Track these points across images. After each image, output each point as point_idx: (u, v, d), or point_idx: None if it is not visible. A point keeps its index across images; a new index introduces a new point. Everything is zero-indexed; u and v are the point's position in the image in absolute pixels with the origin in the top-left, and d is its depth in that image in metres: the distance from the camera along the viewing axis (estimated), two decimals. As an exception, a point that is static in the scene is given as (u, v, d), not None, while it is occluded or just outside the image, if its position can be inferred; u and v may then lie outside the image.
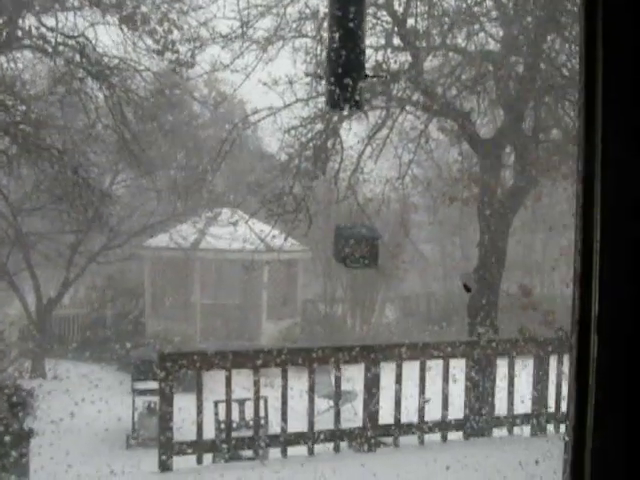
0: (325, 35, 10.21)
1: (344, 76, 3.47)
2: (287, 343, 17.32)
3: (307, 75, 9.48)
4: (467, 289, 7.63)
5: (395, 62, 10.08)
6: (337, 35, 3.47)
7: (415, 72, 9.83)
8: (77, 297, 22.89)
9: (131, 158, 15.60)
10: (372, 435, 7.05)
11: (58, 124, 13.99)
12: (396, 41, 10.42)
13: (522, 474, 6.16)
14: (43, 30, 12.30)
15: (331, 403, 12.68)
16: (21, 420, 9.10)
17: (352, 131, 10.77)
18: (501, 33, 10.66)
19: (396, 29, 10.13)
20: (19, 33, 12.17)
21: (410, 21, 10.28)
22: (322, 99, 10.11)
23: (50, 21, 12.28)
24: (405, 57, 10.19)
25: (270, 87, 10.14)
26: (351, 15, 3.49)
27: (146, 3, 12.10)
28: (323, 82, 10.06)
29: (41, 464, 9.09)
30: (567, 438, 1.23)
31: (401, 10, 10.30)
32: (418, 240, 22.47)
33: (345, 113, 9.76)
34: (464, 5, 10.25)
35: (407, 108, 10.47)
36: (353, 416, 10.29)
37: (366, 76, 3.58)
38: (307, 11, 10.07)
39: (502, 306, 10.66)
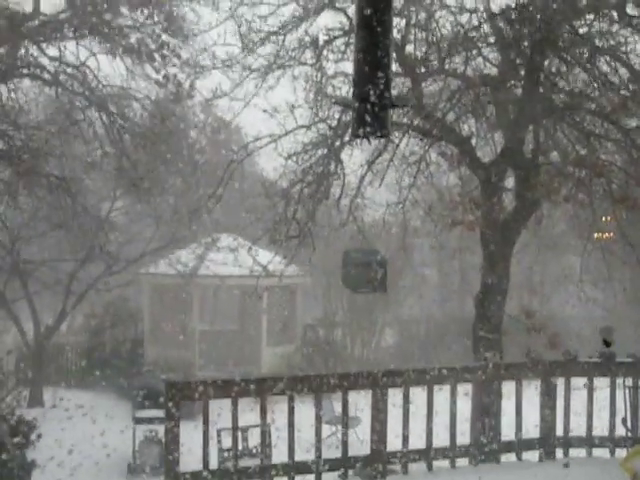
0: (325, 63, 10.32)
1: (371, 104, 3.49)
2: (287, 368, 17.25)
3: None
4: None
5: (394, 87, 10.14)
6: (364, 63, 3.49)
7: (415, 97, 9.90)
8: (75, 325, 22.79)
9: (129, 185, 15.61)
10: (380, 462, 6.98)
11: (57, 152, 14.02)
12: (395, 67, 10.49)
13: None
14: (44, 59, 12.40)
15: (333, 429, 12.62)
16: (22, 451, 8.99)
17: (353, 156, 10.82)
18: (499, 57, 10.74)
19: (394, 55, 10.21)
20: (20, 62, 12.24)
21: (409, 47, 10.37)
22: (323, 125, 10.18)
23: (51, 50, 12.38)
24: (404, 82, 10.27)
25: (271, 115, 10.19)
26: (379, 42, 3.52)
27: (146, 32, 12.20)
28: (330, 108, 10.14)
29: (42, 496, 8.97)
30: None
31: (399, 37, 10.39)
32: (418, 264, 22.49)
33: (346, 138, 9.81)
34: (461, 31, 10.34)
35: (408, 133, 10.52)
36: (357, 442, 10.21)
37: (393, 105, 3.60)
38: (306, 39, 10.15)
39: (505, 329, 10.63)
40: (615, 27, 9.60)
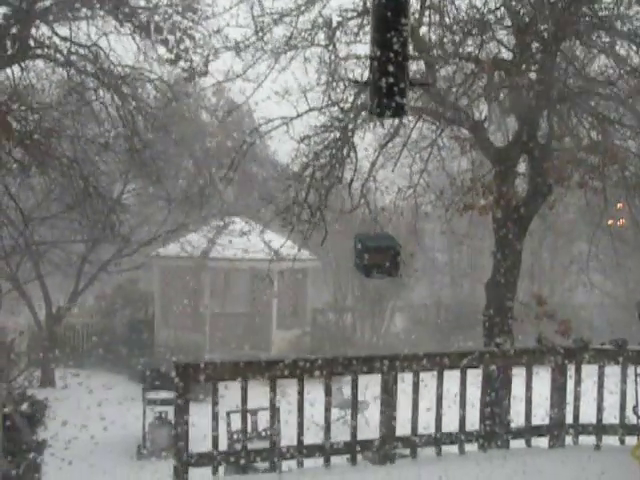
0: (337, 45, 10.23)
1: (389, 83, 3.46)
2: (297, 352, 17.29)
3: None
4: None
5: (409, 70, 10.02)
6: (382, 42, 3.45)
7: (429, 80, 9.80)
8: (86, 306, 22.94)
9: (141, 167, 15.60)
10: (390, 447, 6.98)
11: (70, 133, 14.01)
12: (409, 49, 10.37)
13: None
14: (56, 40, 12.36)
15: (342, 413, 12.65)
16: (34, 431, 9.06)
17: (366, 140, 10.75)
18: (513, 41, 10.61)
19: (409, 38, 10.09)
20: (32, 43, 12.22)
21: (423, 30, 10.26)
22: (335, 108, 10.11)
23: (63, 30, 12.35)
24: (418, 66, 10.17)
25: (283, 97, 10.13)
26: (396, 20, 3.49)
27: (159, 12, 12.14)
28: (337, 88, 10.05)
29: (53, 475, 9.06)
30: None
31: (413, 19, 10.27)
32: (429, 249, 22.44)
33: (359, 121, 9.75)
34: (477, 14, 10.21)
35: (422, 117, 10.44)
36: (365, 426, 10.21)
37: (412, 84, 3.56)
38: (320, 20, 10.05)
39: (515, 315, 10.58)
40: (634, 10, 9.47)
